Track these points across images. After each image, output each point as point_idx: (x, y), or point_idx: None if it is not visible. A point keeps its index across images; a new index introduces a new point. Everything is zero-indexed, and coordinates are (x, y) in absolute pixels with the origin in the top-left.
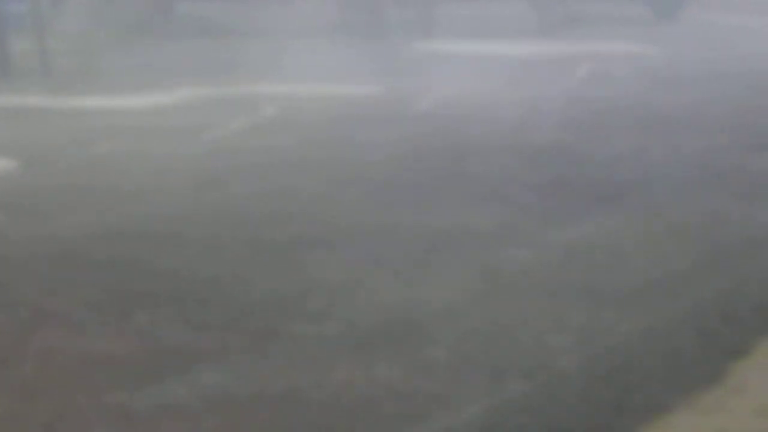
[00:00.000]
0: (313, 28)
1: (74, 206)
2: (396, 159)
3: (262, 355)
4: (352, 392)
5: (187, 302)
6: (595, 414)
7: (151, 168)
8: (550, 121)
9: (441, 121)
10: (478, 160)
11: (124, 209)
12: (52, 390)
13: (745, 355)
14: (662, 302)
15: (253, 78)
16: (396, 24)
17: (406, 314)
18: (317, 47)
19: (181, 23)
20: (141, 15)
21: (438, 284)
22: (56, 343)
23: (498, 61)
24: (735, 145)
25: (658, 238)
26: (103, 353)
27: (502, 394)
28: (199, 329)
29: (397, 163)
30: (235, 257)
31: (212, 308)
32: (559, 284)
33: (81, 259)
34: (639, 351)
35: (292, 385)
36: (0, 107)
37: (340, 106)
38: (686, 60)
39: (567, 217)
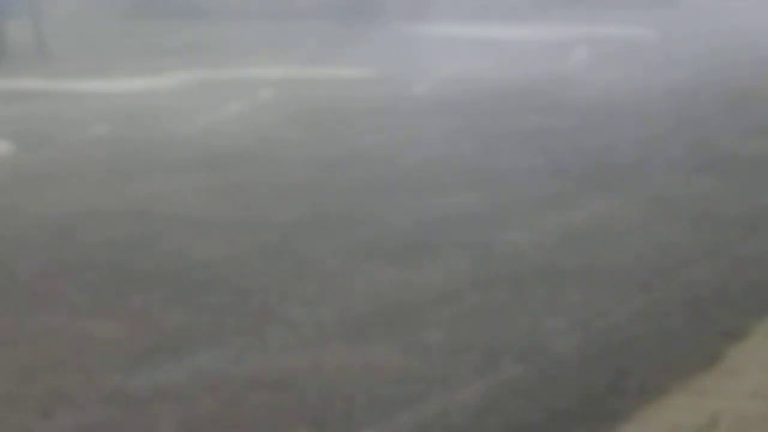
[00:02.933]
0: (307, 10)
1: (69, 188)
2: (393, 143)
3: (258, 338)
4: (347, 376)
5: (184, 284)
6: (590, 396)
7: (144, 150)
8: (541, 105)
9: (437, 105)
10: (470, 144)
11: (120, 191)
12: (48, 372)
13: (740, 337)
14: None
15: (248, 61)
16: (389, 6)
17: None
18: (311, 30)
19: (176, 7)
20: None
21: (433, 267)
22: (52, 325)
23: (492, 45)
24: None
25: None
26: (98, 335)
27: (498, 377)
28: (196, 312)
29: (394, 147)
30: (232, 238)
31: (209, 290)
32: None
33: (76, 240)
34: (634, 333)
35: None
36: None
37: (334, 89)
38: (683, 44)
39: (563, 201)
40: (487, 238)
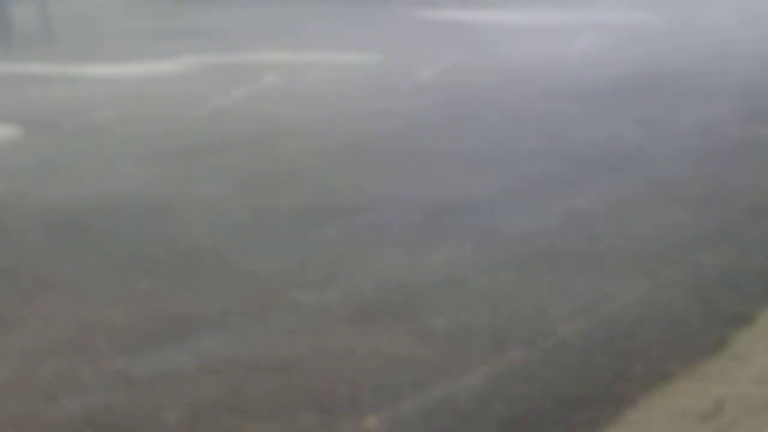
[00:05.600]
0: None
1: (76, 171)
2: (398, 129)
3: (263, 322)
4: (352, 360)
5: (190, 268)
6: (595, 381)
7: (151, 135)
8: (547, 90)
9: (443, 91)
10: (475, 129)
11: (126, 174)
12: (53, 356)
13: (747, 323)
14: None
15: (254, 45)
16: None
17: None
18: (317, 14)
19: None
20: None
21: (439, 252)
22: (57, 309)
23: (499, 30)
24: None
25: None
26: (103, 320)
27: (503, 362)
28: (201, 297)
29: (398, 133)
30: (236, 224)
31: (213, 276)
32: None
33: (82, 225)
34: (639, 317)
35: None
36: (2, 74)
37: (340, 75)
38: (689, 30)
39: (568, 184)
40: (492, 223)
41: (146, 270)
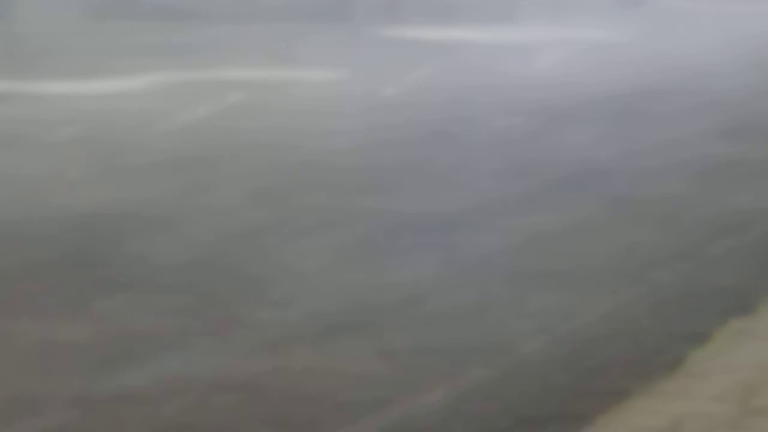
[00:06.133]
0: (276, 12)
1: (36, 189)
2: (360, 146)
3: (223, 341)
4: (313, 379)
5: (148, 287)
6: (555, 400)
7: (114, 152)
8: (509, 107)
9: (407, 109)
10: (437, 147)
11: (87, 192)
12: (11, 375)
13: (703, 341)
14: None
15: (218, 62)
16: (359, 8)
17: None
18: (281, 32)
19: (145, 7)
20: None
21: (400, 270)
22: (15, 328)
23: (462, 47)
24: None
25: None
26: (62, 339)
27: (463, 380)
28: (161, 315)
29: (360, 150)
30: (195, 242)
31: (174, 294)
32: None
33: (40, 242)
34: (599, 336)
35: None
36: None
37: (306, 92)
38: (652, 47)
39: (530, 203)
40: (454, 241)
41: (105, 288)
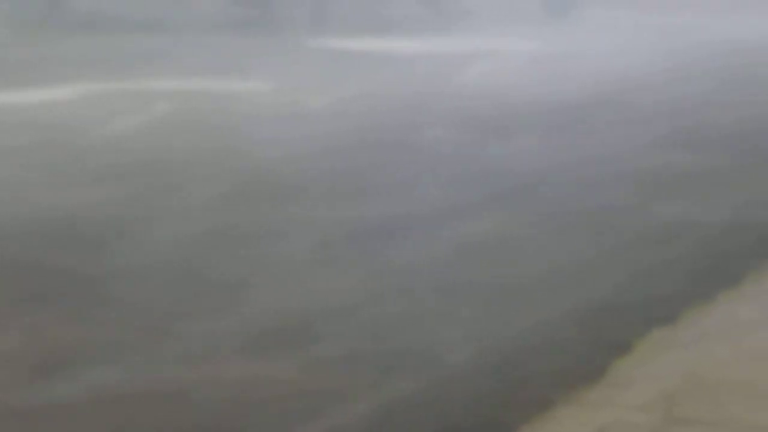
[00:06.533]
0: (205, 23)
1: None
2: (288, 157)
3: (154, 353)
4: (242, 389)
5: (77, 300)
6: (480, 410)
7: (40, 163)
8: (439, 119)
9: (336, 119)
10: (366, 158)
11: (12, 205)
12: None
13: (626, 351)
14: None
15: (146, 73)
16: (289, 19)
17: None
18: (210, 43)
19: (75, 17)
20: (34, 9)
21: (328, 281)
22: None
23: (394, 59)
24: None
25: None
26: None
27: (392, 391)
28: (90, 328)
29: (289, 161)
30: (124, 254)
31: (103, 306)
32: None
33: None
34: (526, 347)
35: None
36: None
37: (233, 103)
38: (582, 60)
39: (459, 214)
40: (382, 252)
41: (33, 301)
